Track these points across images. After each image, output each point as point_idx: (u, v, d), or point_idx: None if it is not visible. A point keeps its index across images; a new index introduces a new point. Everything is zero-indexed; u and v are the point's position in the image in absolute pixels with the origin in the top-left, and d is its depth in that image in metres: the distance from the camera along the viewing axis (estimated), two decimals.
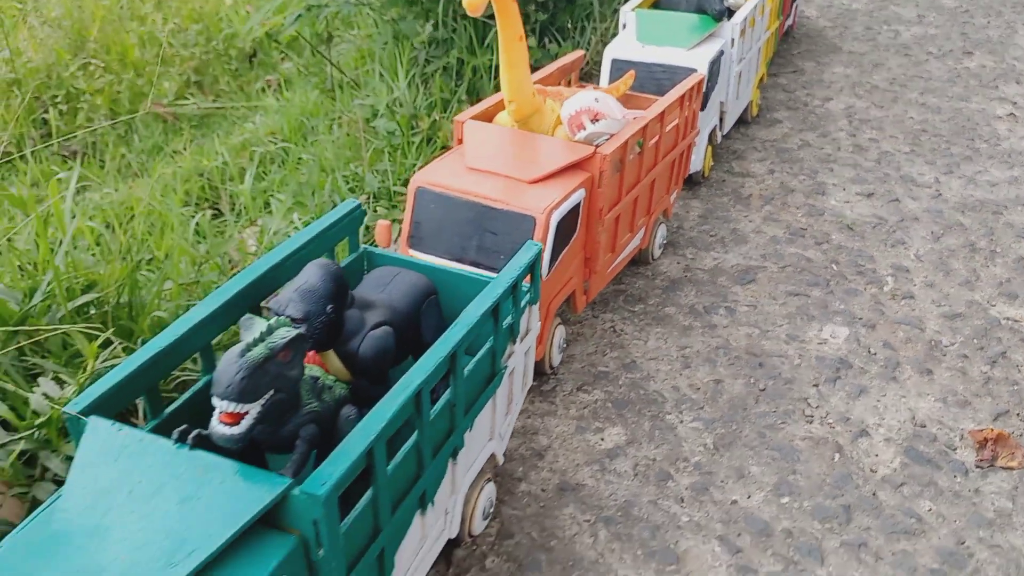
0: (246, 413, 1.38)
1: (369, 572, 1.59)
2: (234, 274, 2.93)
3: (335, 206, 3.64)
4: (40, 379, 1.84)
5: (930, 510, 2.22)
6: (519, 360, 2.09)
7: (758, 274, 3.18)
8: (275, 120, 5.17)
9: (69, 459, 1.80)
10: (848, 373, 2.70)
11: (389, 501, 1.59)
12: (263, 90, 6.22)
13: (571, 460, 2.36)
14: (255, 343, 1.37)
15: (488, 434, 2.04)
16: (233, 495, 1.36)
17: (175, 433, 1.44)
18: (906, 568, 2.06)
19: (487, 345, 1.89)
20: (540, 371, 2.62)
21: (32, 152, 5.37)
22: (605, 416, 2.51)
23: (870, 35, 5.69)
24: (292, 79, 5.92)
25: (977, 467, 2.36)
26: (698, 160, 3.57)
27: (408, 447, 1.64)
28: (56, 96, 6.18)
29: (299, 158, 4.29)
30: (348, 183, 3.72)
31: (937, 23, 5.91)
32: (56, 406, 1.75)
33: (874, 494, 2.27)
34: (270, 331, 1.40)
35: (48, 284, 2.11)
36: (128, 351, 2.14)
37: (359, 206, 2.17)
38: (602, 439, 2.43)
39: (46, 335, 2.05)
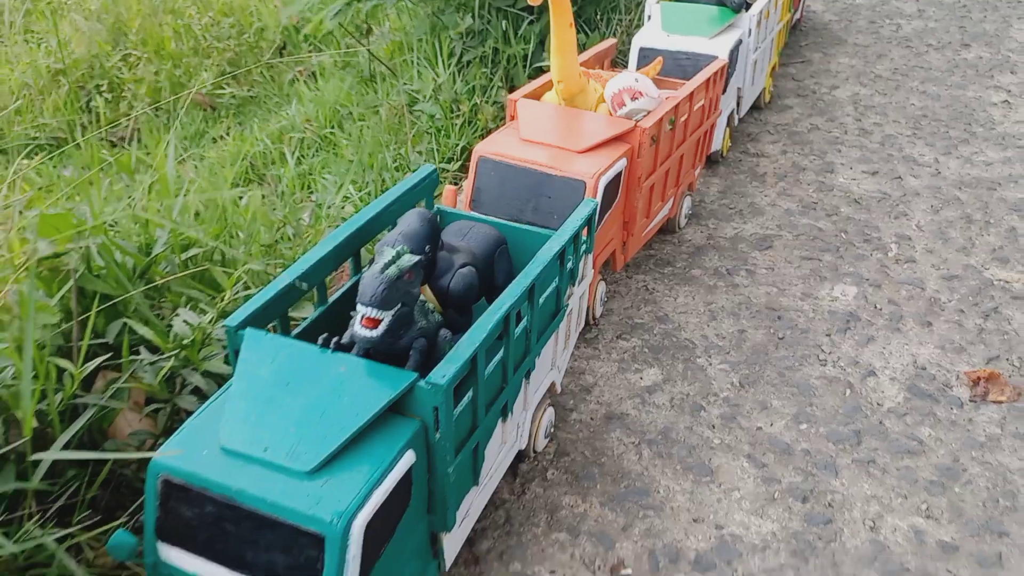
0: (382, 320, 1.72)
1: (468, 460, 1.92)
2: (306, 241, 3.28)
3: (384, 182, 3.98)
4: (179, 310, 2.18)
5: (929, 435, 2.56)
6: (576, 302, 2.43)
7: (774, 241, 3.52)
8: (309, 108, 5.49)
9: (207, 375, 2.14)
10: (857, 325, 3.04)
11: (484, 402, 1.92)
12: (294, 80, 6.55)
13: (615, 395, 2.70)
14: (389, 264, 1.71)
15: (550, 364, 2.38)
16: (371, 386, 1.70)
17: (319, 340, 1.79)
18: (908, 480, 2.40)
19: (553, 284, 2.23)
20: (584, 321, 2.95)
21: (83, 137, 5.70)
22: (643, 359, 2.85)
23: (873, 28, 6.02)
24: (322, 71, 6.25)
25: (971, 401, 2.70)
26: (718, 140, 3.90)
27: (497, 361, 1.97)
28: (100, 85, 6.51)
29: (334, 144, 4.62)
30: (394, 161, 4.05)
31: (936, 17, 6.24)
32: (197, 329, 2.08)
33: (881, 422, 2.61)
34: (398, 256, 1.74)
35: (167, 238, 2.45)
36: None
37: (434, 171, 2.50)
38: (641, 378, 2.77)
39: (167, 279, 2.39)
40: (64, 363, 1.96)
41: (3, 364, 1.90)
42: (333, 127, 4.84)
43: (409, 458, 1.69)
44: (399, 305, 1.74)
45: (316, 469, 1.60)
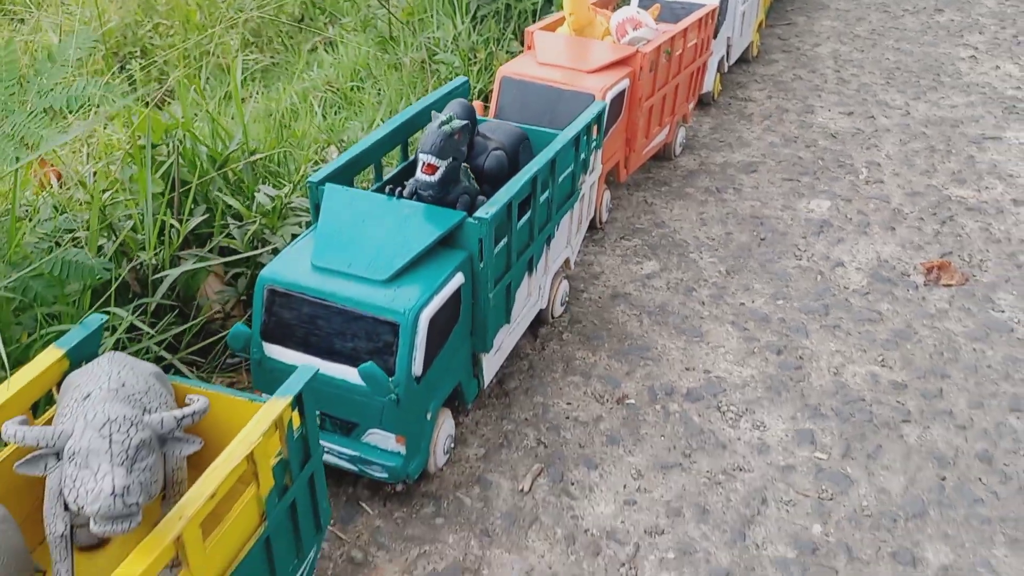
0: (439, 167, 2.16)
1: (502, 296, 2.36)
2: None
3: None
4: (259, 186, 2.62)
5: (888, 308, 3.01)
6: (587, 189, 2.87)
7: (759, 167, 3.96)
8: (330, 72, 5.91)
9: (282, 236, 2.58)
10: (829, 230, 3.48)
11: (516, 249, 2.37)
12: (315, 48, 6.97)
13: (619, 280, 3.14)
14: (444, 124, 2.15)
15: (566, 241, 2.82)
16: (430, 221, 2.14)
17: (386, 190, 2.23)
18: (868, 339, 2.85)
19: (569, 169, 2.67)
20: (592, 226, 3.39)
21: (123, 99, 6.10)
22: (643, 254, 3.30)
23: None
24: (341, 39, 6.65)
25: (925, 285, 3.15)
26: (709, 81, 4.34)
27: (525, 220, 2.41)
28: (133, 51, 6.93)
29: (358, 102, 5.03)
30: None
31: None
32: (274, 200, 2.53)
33: (847, 299, 3.06)
34: (449, 120, 2.18)
35: (240, 138, 2.88)
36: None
37: (466, 80, 2.93)
38: (641, 268, 3.22)
39: (244, 162, 2.83)
40: (172, 220, 2.39)
41: (126, 214, 2.34)
42: (355, 86, 5.26)
43: (459, 279, 2.14)
44: (451, 158, 2.18)
45: (390, 279, 2.04)
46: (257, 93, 6.27)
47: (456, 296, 2.15)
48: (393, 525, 2.18)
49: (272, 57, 7.33)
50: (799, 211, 3.61)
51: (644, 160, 3.66)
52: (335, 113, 5.27)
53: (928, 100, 4.69)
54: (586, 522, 2.20)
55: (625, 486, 2.30)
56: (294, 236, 2.59)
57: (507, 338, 2.51)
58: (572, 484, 2.31)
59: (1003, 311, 3.00)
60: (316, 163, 3.39)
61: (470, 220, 2.14)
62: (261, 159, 2.96)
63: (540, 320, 2.85)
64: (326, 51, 6.60)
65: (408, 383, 2.00)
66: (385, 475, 2.10)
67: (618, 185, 3.66)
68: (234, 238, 2.53)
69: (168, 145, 2.73)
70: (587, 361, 2.75)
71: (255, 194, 2.60)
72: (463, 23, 4.74)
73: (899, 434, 2.48)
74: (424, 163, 2.16)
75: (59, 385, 1.66)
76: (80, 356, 1.67)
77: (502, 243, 2.29)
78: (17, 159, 1.90)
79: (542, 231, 2.54)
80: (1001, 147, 4.17)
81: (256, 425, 1.49)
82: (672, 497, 2.27)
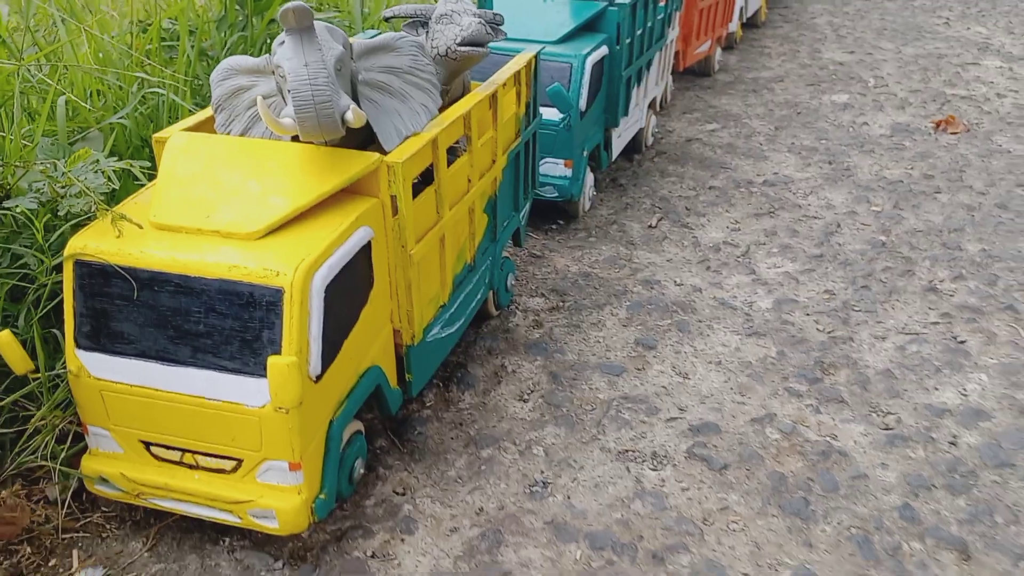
0: None
1: (624, 89, 3.04)
2: None
3: None
4: None
5: (909, 145, 3.73)
6: (670, 39, 3.60)
7: (785, 79, 4.73)
8: None
9: None
10: (851, 109, 4.23)
11: (636, 52, 3.06)
12: None
13: (690, 132, 3.84)
14: None
15: (655, 80, 3.53)
16: (581, 7, 2.84)
17: None
18: (898, 159, 3.56)
19: (663, 14, 3.39)
20: (662, 106, 4.11)
21: None
22: (703, 121, 4.01)
23: None
24: None
25: (935, 133, 3.88)
26: (735, 22, 5.14)
27: (639, 32, 3.11)
28: None
29: None
30: None
31: None
32: None
33: (877, 140, 3.78)
34: None
35: None
36: None
37: None
38: (705, 127, 3.93)
39: None
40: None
41: None
42: None
43: (603, 51, 2.82)
44: None
45: (559, 40, 2.72)
46: None
47: (601, 63, 2.83)
48: (556, 243, 2.80)
49: None
50: (824, 99, 4.37)
51: (693, 62, 4.41)
52: None
53: (915, 45, 5.54)
54: (704, 240, 2.84)
55: (728, 225, 2.95)
56: None
57: (624, 132, 3.18)
58: (687, 223, 2.95)
59: (1000, 144, 3.74)
60: None
61: (611, 8, 2.84)
62: None
63: (635, 148, 3.53)
64: None
65: (576, 114, 2.66)
66: (556, 194, 2.74)
67: (672, 85, 4.40)
68: None
69: None
70: (677, 172, 3.42)
71: None
72: None
73: (934, 198, 3.17)
74: None
75: None
76: None
77: (627, 40, 2.99)
78: None
79: (648, 49, 3.24)
80: (980, 69, 5.00)
81: (520, 58, 2.15)
82: (767, 228, 2.92)
